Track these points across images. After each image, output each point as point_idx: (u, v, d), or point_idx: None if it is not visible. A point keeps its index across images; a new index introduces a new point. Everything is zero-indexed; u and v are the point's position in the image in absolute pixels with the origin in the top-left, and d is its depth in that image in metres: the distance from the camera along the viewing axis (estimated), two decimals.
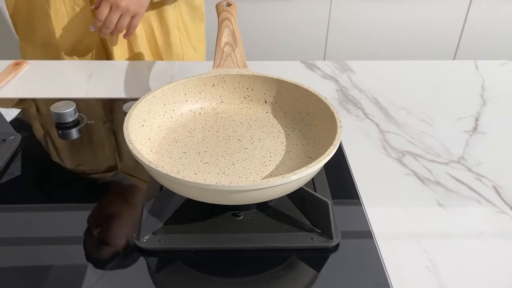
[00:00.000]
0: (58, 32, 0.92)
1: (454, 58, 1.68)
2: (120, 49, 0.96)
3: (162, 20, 0.96)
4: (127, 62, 0.92)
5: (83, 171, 0.62)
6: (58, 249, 0.50)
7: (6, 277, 0.46)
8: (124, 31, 0.90)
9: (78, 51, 0.95)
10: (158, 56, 1.00)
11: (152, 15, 0.95)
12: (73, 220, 0.54)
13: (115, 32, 0.87)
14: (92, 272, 0.46)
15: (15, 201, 0.56)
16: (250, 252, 0.49)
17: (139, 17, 0.87)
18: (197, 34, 1.04)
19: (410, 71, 0.91)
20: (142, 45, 0.96)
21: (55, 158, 0.65)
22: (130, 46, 0.97)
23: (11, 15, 0.96)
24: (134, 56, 0.98)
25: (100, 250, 0.49)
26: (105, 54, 0.98)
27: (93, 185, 0.59)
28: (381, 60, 0.95)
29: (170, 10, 0.96)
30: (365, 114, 0.75)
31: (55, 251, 0.49)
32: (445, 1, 1.55)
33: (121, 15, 0.85)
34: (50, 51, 0.95)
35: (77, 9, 0.90)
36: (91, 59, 0.97)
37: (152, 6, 0.93)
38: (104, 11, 0.84)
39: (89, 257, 0.48)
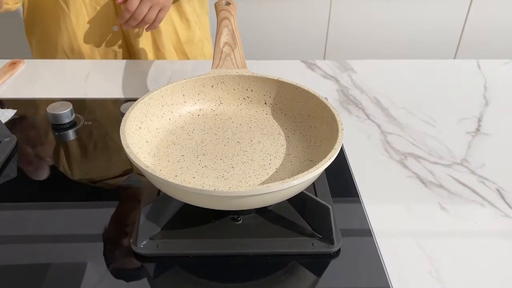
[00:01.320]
0: (80, 35, 0.90)
1: (454, 57, 1.67)
2: (145, 48, 0.95)
3: (181, 14, 0.95)
4: (124, 61, 0.91)
5: (80, 173, 0.61)
6: (52, 254, 0.49)
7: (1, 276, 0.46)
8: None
9: (101, 53, 0.94)
10: (182, 52, 0.99)
11: (172, 10, 0.93)
12: (69, 223, 0.53)
13: (141, 24, 0.85)
14: (88, 278, 0.46)
15: (10, 203, 0.55)
16: (250, 258, 0.48)
17: (166, 10, 0.86)
18: (207, 27, 1.04)
19: (412, 71, 0.90)
20: (167, 42, 0.95)
21: (51, 160, 0.64)
22: (155, 44, 0.95)
23: (25, 21, 0.94)
24: (160, 55, 0.96)
25: (96, 256, 0.48)
26: (129, 54, 0.97)
27: (90, 186, 0.58)
28: (382, 59, 0.94)
29: (186, 4, 0.95)
30: (367, 115, 0.74)
31: (49, 256, 0.48)
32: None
33: (150, 8, 0.83)
34: (73, 55, 0.93)
35: (99, 8, 0.88)
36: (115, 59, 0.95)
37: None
38: (134, 2, 0.82)
39: (84, 263, 0.47)
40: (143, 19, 0.84)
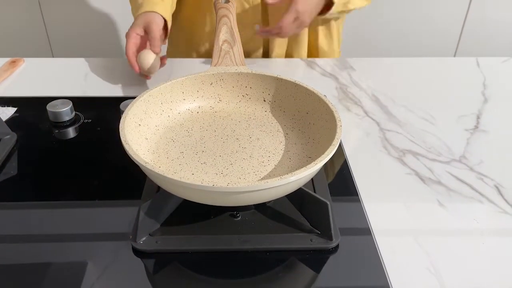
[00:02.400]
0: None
1: (454, 55, 1.67)
2: (279, 50, 0.94)
3: (326, 29, 0.96)
4: (123, 59, 0.91)
5: (80, 170, 0.61)
6: (53, 250, 0.49)
7: (2, 274, 0.46)
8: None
9: None
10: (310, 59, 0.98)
11: (319, 24, 0.94)
12: (69, 220, 0.53)
13: (277, 36, 0.85)
14: (88, 274, 0.46)
15: (10, 201, 0.55)
16: (249, 254, 0.48)
17: (304, 27, 0.85)
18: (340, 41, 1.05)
19: (410, 69, 0.90)
20: (302, 49, 0.95)
21: (51, 157, 0.64)
22: (290, 49, 0.95)
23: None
24: (289, 57, 0.96)
25: (96, 252, 0.49)
26: (263, 53, 0.96)
27: (90, 185, 0.58)
28: (381, 57, 0.94)
29: (333, 22, 0.95)
30: (365, 112, 0.75)
31: (50, 253, 0.49)
32: None
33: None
34: (207, 51, 0.94)
35: (247, 6, 0.87)
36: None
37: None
38: (290, 20, 0.80)
39: (85, 259, 0.48)
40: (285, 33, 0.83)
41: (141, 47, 0.78)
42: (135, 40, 0.77)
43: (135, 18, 0.79)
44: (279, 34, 0.83)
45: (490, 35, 1.62)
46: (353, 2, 0.87)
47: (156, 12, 0.78)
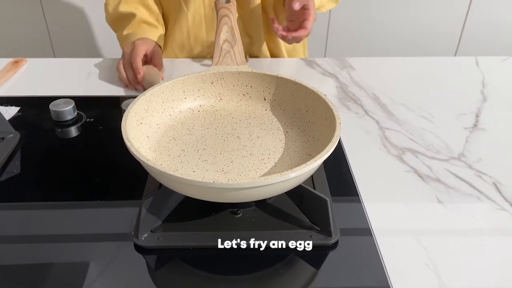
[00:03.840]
0: (193, 34, 0.92)
1: (455, 55, 1.67)
2: (260, 52, 0.96)
3: None
4: None
5: (82, 169, 0.62)
6: (56, 247, 0.50)
7: (5, 275, 0.46)
8: None
9: (212, 51, 0.94)
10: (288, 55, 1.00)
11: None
12: (72, 218, 0.53)
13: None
14: (91, 271, 0.46)
15: (14, 199, 0.56)
16: (249, 250, 0.49)
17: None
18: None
19: (410, 68, 0.90)
20: (282, 48, 0.96)
21: (53, 156, 0.65)
22: (271, 49, 0.97)
23: None
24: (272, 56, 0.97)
25: (98, 249, 0.49)
26: None
27: (92, 183, 0.59)
28: (381, 57, 0.95)
29: None
30: (365, 111, 0.75)
31: (54, 250, 0.49)
32: None
33: None
34: (182, 53, 0.95)
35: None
36: None
37: None
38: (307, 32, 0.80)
39: (87, 256, 0.48)
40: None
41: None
42: (142, 57, 0.80)
43: (138, 40, 0.83)
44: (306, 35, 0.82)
45: (491, 36, 1.62)
46: (325, 7, 0.90)
47: (156, 43, 0.85)
